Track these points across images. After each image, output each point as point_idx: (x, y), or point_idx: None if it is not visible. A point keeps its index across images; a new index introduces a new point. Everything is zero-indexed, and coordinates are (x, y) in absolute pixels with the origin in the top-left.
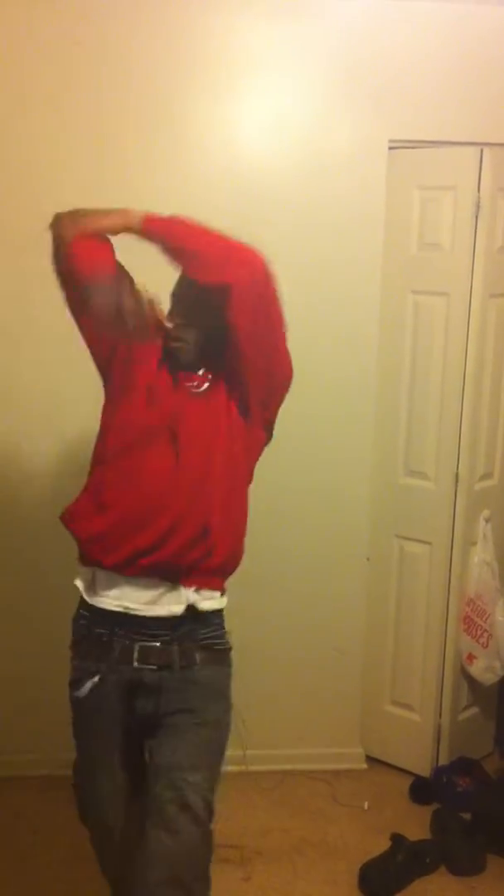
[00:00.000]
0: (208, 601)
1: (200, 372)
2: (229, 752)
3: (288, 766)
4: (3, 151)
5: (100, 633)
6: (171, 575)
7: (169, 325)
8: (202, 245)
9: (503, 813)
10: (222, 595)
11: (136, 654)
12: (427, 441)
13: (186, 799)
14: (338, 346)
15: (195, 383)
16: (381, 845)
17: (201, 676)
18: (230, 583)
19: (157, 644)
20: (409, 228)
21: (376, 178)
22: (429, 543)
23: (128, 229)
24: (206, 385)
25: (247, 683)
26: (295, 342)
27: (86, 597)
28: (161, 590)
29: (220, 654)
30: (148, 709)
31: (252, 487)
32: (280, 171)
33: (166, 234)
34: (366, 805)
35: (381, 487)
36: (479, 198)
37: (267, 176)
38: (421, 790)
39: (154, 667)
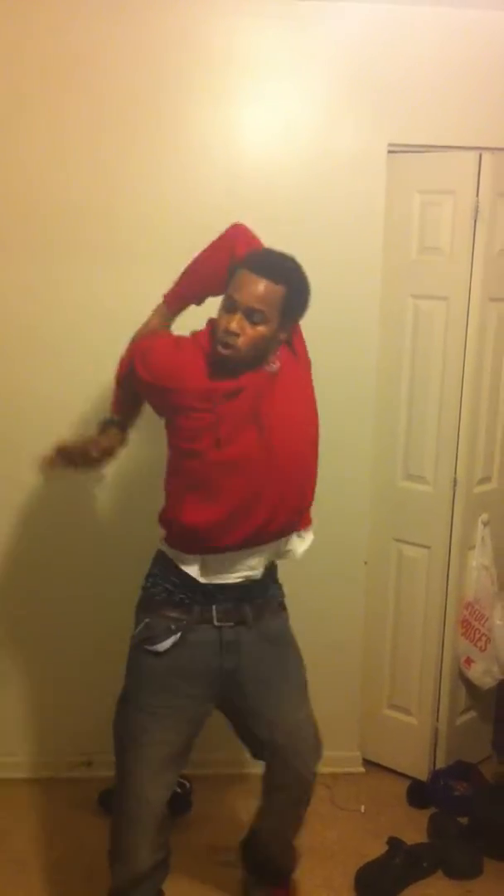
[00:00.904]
0: (305, 543)
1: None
2: (226, 754)
3: None
4: (2, 153)
5: (182, 598)
6: (287, 531)
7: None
8: (208, 263)
9: (500, 817)
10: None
11: (215, 615)
12: (426, 445)
13: (304, 737)
14: (337, 349)
15: (273, 366)
16: (379, 849)
17: (272, 629)
18: None
19: (231, 605)
20: (409, 232)
21: (376, 182)
22: (427, 547)
23: (163, 318)
24: (279, 362)
25: None
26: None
27: (201, 579)
28: (269, 549)
29: (280, 605)
30: (230, 663)
31: None
32: (280, 175)
33: (181, 291)
34: (363, 809)
35: (380, 491)
36: (477, 202)
37: (267, 179)
38: (418, 794)
39: (231, 623)
